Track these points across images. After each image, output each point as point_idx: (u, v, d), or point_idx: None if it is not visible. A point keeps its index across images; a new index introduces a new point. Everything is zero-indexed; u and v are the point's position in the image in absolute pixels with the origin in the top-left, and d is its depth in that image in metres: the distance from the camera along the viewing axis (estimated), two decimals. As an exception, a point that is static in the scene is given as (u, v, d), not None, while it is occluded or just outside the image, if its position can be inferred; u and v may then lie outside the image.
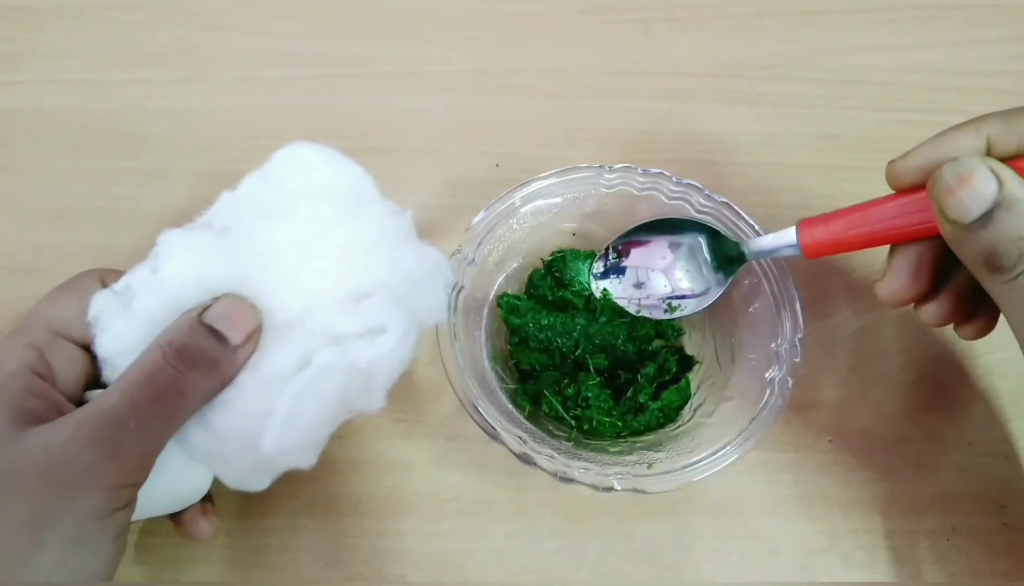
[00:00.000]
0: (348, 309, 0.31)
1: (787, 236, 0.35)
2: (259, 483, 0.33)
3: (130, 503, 0.29)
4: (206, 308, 0.31)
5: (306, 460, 0.33)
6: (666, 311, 0.40)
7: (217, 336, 0.30)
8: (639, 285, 0.40)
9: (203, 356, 0.30)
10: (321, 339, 0.31)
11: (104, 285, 0.33)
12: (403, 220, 0.34)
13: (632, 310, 0.40)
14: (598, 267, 0.41)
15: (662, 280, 0.40)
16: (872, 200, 0.33)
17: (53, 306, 0.32)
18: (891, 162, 0.32)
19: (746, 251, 0.37)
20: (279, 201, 0.32)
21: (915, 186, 0.31)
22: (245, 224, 0.32)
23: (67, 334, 0.32)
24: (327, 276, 0.32)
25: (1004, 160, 0.29)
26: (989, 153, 0.30)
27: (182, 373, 0.29)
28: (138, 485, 0.29)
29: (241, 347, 0.30)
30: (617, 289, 0.41)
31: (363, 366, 0.31)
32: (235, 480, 0.32)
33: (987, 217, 0.27)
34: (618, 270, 0.41)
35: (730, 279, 0.38)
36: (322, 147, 0.34)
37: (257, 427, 0.30)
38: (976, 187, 0.28)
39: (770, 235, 0.36)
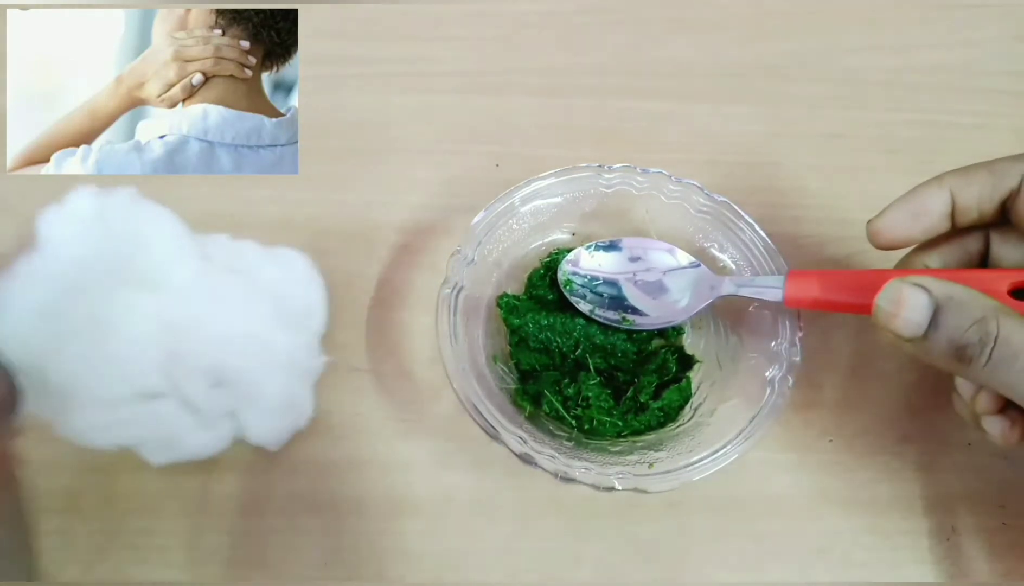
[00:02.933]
0: (202, 383, 0.35)
1: (773, 291, 0.36)
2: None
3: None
4: None
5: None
6: (618, 321, 0.40)
7: None
8: (635, 259, 0.41)
9: None
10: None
11: None
12: (312, 367, 0.39)
13: (586, 309, 0.40)
14: (583, 251, 0.41)
15: (663, 256, 0.40)
16: (864, 272, 0.35)
17: None
18: (869, 221, 0.35)
19: (727, 288, 0.38)
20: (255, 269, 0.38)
21: (892, 244, 0.35)
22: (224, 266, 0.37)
23: None
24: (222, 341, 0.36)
25: (963, 215, 0.34)
26: (953, 205, 0.34)
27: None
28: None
29: None
30: (609, 263, 0.41)
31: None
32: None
33: (935, 322, 0.29)
34: (614, 247, 0.41)
35: (700, 308, 0.39)
36: (311, 267, 0.40)
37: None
38: (911, 303, 0.30)
39: (759, 280, 0.37)
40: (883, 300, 0.31)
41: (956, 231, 0.35)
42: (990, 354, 0.29)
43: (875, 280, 0.33)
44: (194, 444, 0.36)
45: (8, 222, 0.45)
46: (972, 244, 0.35)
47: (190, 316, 0.35)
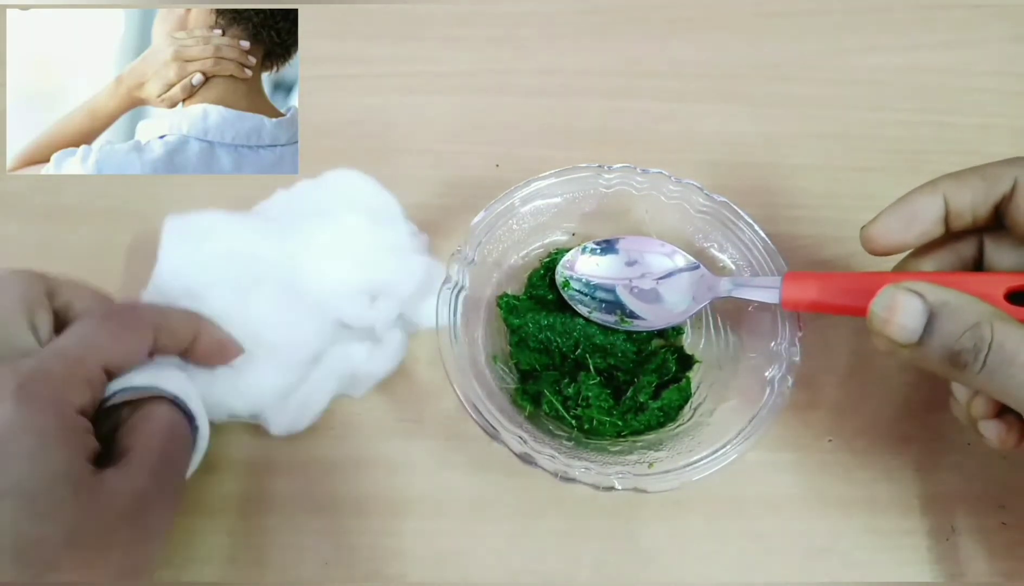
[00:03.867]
0: (362, 303, 0.38)
1: (770, 292, 0.36)
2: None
3: None
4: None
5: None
6: (616, 323, 0.40)
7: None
8: (631, 263, 0.41)
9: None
10: (332, 326, 0.38)
11: (154, 330, 0.33)
12: (420, 239, 0.41)
13: (583, 311, 0.41)
14: (580, 252, 0.41)
15: (661, 259, 0.40)
16: (861, 274, 0.35)
17: (113, 344, 0.32)
18: (863, 227, 0.35)
19: (724, 288, 0.38)
20: (323, 205, 0.40)
21: (886, 250, 0.35)
22: (290, 218, 0.39)
23: (111, 372, 0.32)
24: (349, 271, 0.38)
25: (957, 220, 0.34)
26: (946, 210, 0.34)
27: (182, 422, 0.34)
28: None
29: None
30: (605, 268, 0.41)
31: (360, 371, 0.39)
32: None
33: (929, 328, 0.30)
34: (610, 249, 0.41)
35: (697, 309, 0.39)
36: (363, 174, 0.41)
37: (267, 399, 0.37)
38: (905, 309, 0.30)
39: (756, 280, 0.38)
40: (878, 306, 0.31)
41: (950, 236, 0.35)
42: (984, 360, 0.29)
43: (872, 283, 0.33)
44: (376, 367, 0.39)
45: (9, 221, 0.45)
46: (966, 249, 0.35)
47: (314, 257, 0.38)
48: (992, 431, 0.33)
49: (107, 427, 0.32)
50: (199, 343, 0.35)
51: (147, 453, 0.31)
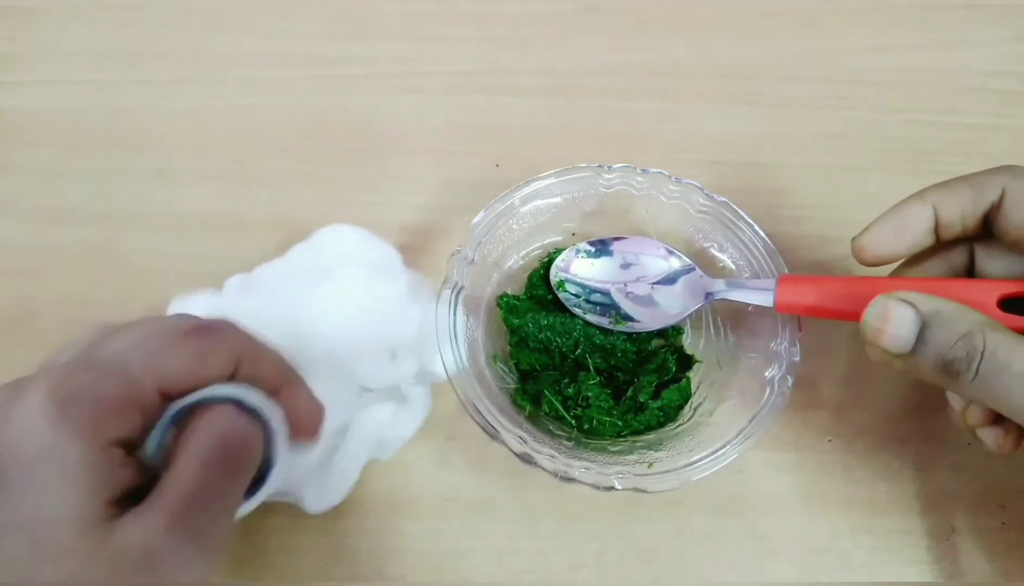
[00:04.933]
0: (384, 361, 0.36)
1: (764, 295, 0.36)
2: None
3: None
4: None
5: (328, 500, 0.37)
6: (611, 323, 0.40)
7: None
8: (626, 265, 0.41)
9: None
10: (357, 388, 0.36)
11: (239, 363, 0.28)
12: (426, 286, 0.39)
13: (578, 313, 0.41)
14: (575, 254, 0.41)
15: (656, 261, 0.40)
16: (857, 279, 0.35)
17: (182, 365, 0.27)
18: (854, 238, 0.35)
19: (719, 291, 0.38)
20: (322, 266, 0.37)
21: (878, 260, 0.35)
22: (290, 285, 0.37)
23: (168, 394, 0.27)
24: (366, 330, 0.36)
25: (946, 229, 0.34)
26: (936, 219, 0.34)
27: (251, 430, 0.28)
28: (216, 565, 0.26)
29: None
30: (600, 270, 0.41)
31: (388, 434, 0.37)
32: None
33: (922, 337, 0.30)
34: (605, 250, 0.41)
35: (692, 311, 0.39)
36: (357, 227, 0.39)
37: (303, 477, 0.35)
38: (898, 319, 0.30)
39: (751, 283, 0.37)
40: (870, 316, 0.31)
41: (941, 245, 0.35)
42: (977, 369, 0.28)
43: (867, 287, 0.33)
44: (403, 428, 0.37)
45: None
46: (957, 258, 0.35)
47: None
48: (990, 437, 0.33)
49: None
50: (285, 397, 0.30)
51: (177, 488, 0.25)
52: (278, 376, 0.30)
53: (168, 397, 0.27)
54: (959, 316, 0.29)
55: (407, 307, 0.37)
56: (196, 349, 0.27)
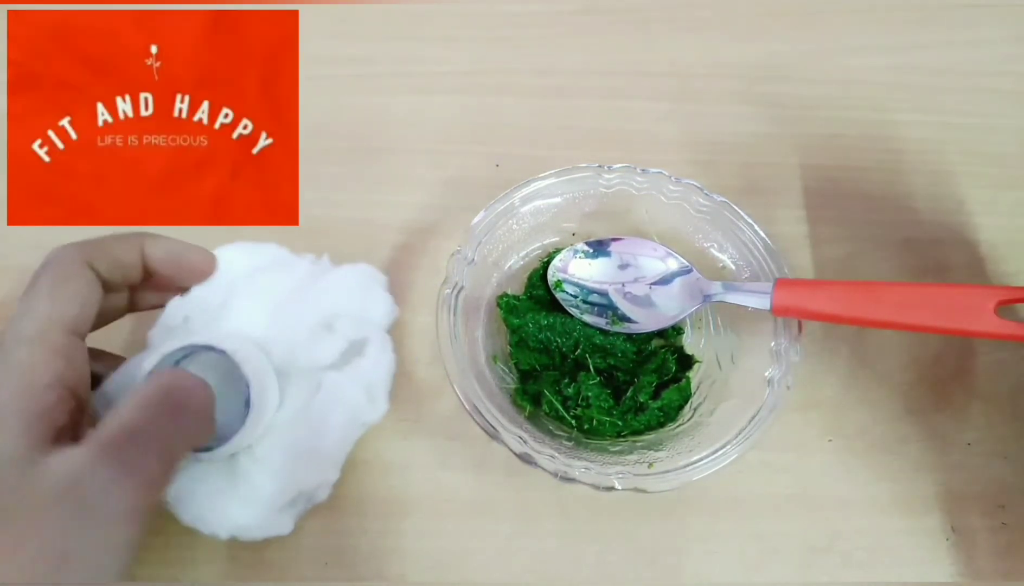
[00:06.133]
0: (324, 336, 0.35)
1: (761, 298, 0.36)
2: (283, 526, 0.35)
3: (145, 523, 0.28)
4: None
5: (329, 480, 0.36)
6: (608, 324, 0.40)
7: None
8: (624, 266, 0.41)
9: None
10: (317, 371, 0.35)
11: (92, 268, 0.31)
12: (321, 263, 0.38)
13: (576, 311, 0.41)
14: (572, 255, 0.41)
15: (654, 262, 0.40)
16: (854, 283, 0.35)
17: (57, 303, 0.30)
18: None
19: (715, 293, 0.38)
20: (222, 287, 0.36)
21: None
22: (202, 312, 0.35)
23: (79, 332, 0.30)
24: (291, 319, 0.35)
25: None
26: None
27: (198, 385, 0.30)
28: (156, 504, 0.29)
29: None
30: (598, 271, 0.41)
31: (361, 378, 0.35)
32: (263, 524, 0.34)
33: None
34: (603, 251, 0.41)
35: (688, 313, 0.39)
36: (237, 244, 0.37)
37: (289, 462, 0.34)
38: None
39: (747, 286, 0.37)
40: None
41: None
42: None
43: (864, 293, 0.33)
44: (375, 373, 0.36)
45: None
46: None
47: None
48: None
49: None
50: (152, 261, 0.33)
51: (110, 425, 0.28)
52: (130, 250, 0.33)
53: (79, 334, 0.30)
54: None
55: (315, 284, 0.36)
56: (52, 285, 0.30)
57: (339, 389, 0.35)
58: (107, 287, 0.32)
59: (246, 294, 0.35)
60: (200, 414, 0.31)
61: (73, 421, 0.29)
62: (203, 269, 0.35)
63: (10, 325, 0.30)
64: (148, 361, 0.32)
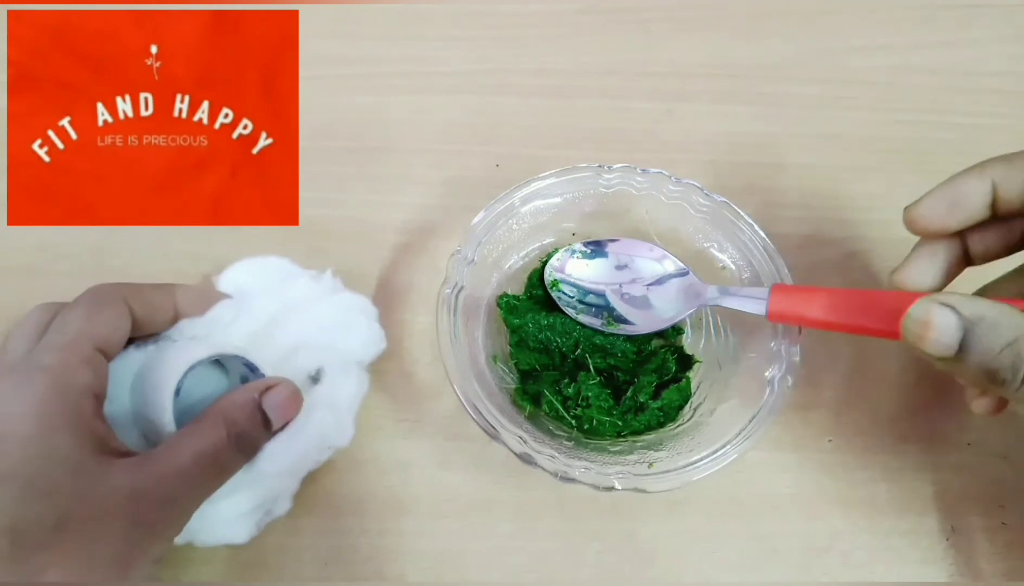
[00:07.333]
0: (291, 359, 0.37)
1: (757, 304, 0.36)
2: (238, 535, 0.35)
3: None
4: (267, 389, 0.34)
5: (289, 491, 0.37)
6: (603, 325, 0.40)
7: (267, 424, 0.34)
8: (621, 267, 0.41)
9: (255, 445, 0.34)
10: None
11: (127, 303, 0.34)
12: (323, 280, 0.39)
13: (572, 311, 0.41)
14: (569, 255, 0.41)
15: (650, 264, 0.40)
16: (853, 291, 0.34)
17: (91, 322, 0.32)
18: (906, 208, 0.34)
19: (712, 297, 0.38)
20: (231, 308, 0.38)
21: (927, 233, 0.34)
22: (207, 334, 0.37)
23: (106, 352, 0.32)
24: (269, 340, 0.37)
25: (1005, 205, 0.32)
26: (994, 195, 0.32)
27: (236, 457, 0.33)
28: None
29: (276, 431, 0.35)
30: (595, 272, 0.41)
31: (328, 403, 0.37)
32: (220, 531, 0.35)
33: (965, 343, 0.28)
34: (600, 252, 0.41)
35: (683, 315, 0.40)
36: (247, 260, 0.39)
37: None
38: (939, 324, 0.29)
39: (743, 291, 0.37)
40: (911, 320, 0.29)
41: (995, 219, 0.33)
42: (1022, 381, 0.28)
43: (863, 300, 0.33)
44: (338, 439, 0.37)
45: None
46: (1011, 232, 0.34)
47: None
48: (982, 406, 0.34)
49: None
50: (180, 305, 0.36)
51: (170, 458, 0.30)
52: (164, 298, 0.36)
53: (105, 353, 0.32)
54: (1004, 321, 0.28)
55: (299, 309, 0.38)
56: (90, 309, 0.32)
57: (310, 410, 0.36)
58: (135, 325, 0.34)
59: (245, 313, 0.38)
60: (230, 474, 0.33)
61: (108, 434, 0.31)
62: (213, 304, 0.37)
63: (40, 342, 0.32)
64: (180, 360, 0.33)
